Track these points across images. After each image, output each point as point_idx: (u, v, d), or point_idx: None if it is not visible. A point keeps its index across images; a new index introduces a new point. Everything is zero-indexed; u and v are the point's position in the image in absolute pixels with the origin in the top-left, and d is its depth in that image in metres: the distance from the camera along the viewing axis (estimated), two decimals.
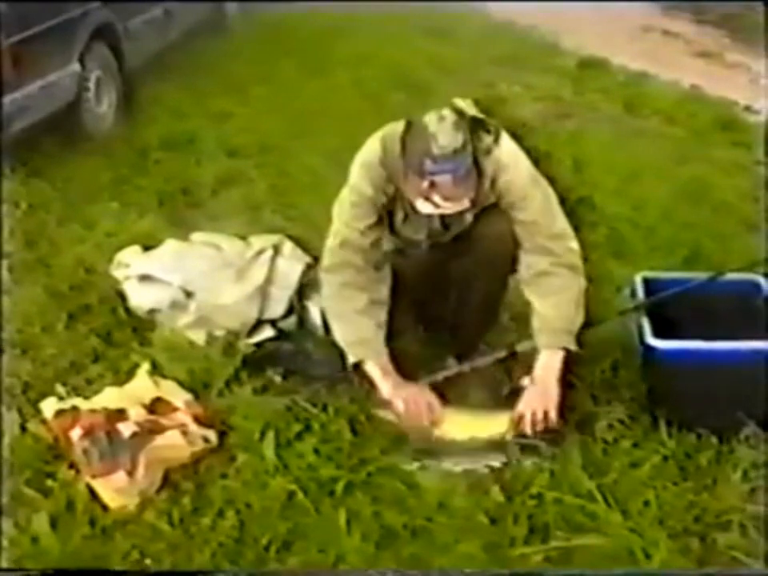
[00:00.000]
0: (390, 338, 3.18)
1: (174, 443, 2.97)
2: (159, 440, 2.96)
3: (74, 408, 3.09)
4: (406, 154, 2.88)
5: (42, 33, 5.22)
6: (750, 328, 3.08)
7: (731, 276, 3.28)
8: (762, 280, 3.30)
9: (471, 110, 2.95)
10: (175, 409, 3.13)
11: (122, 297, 3.83)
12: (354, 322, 3.13)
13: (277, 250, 3.88)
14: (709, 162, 5.69)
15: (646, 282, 3.35)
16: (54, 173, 5.22)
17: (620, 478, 2.91)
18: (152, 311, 3.73)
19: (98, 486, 2.85)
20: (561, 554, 2.68)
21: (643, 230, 4.55)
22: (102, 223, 4.61)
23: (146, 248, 4.03)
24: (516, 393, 3.16)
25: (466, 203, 2.89)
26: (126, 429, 2.95)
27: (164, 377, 3.34)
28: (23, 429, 3.15)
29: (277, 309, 3.69)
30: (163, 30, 7.18)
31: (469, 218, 3.06)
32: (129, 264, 3.91)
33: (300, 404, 3.23)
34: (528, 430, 3.03)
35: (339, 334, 3.17)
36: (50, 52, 5.39)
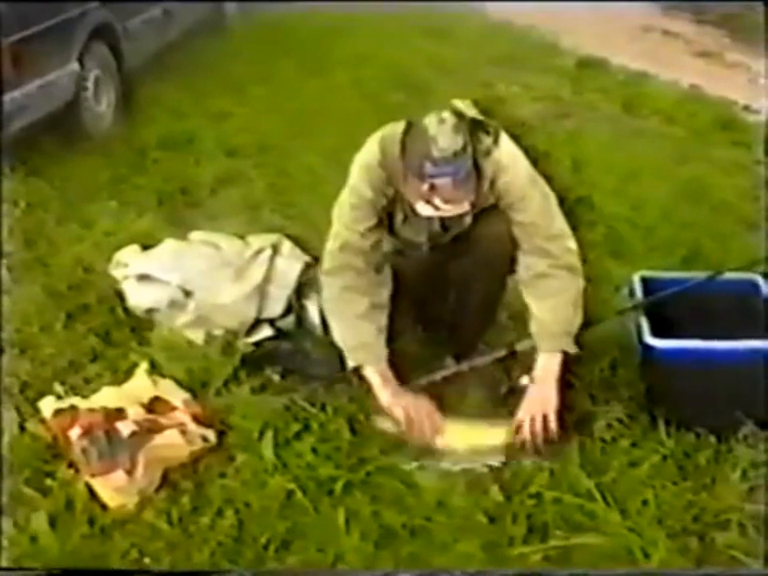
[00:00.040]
0: (390, 338, 3.17)
1: (173, 442, 2.97)
2: (158, 439, 2.96)
3: (73, 407, 3.09)
4: (406, 156, 2.87)
5: (41, 32, 5.22)
6: (749, 327, 3.08)
7: (730, 275, 3.28)
8: (760, 279, 3.31)
9: (470, 111, 2.94)
10: (174, 408, 3.13)
11: (120, 296, 3.83)
12: (354, 327, 3.12)
13: (275, 249, 3.88)
14: (708, 161, 5.69)
15: (645, 281, 3.35)
16: (53, 172, 5.22)
17: (619, 477, 2.91)
18: (150, 310, 3.73)
19: (97, 485, 2.85)
20: (560, 554, 2.68)
21: (642, 230, 4.55)
22: (100, 222, 4.61)
23: (145, 247, 4.03)
24: (515, 392, 3.17)
25: (466, 206, 2.89)
26: (124, 428, 2.95)
27: (162, 376, 3.34)
28: (22, 428, 3.15)
29: (275, 308, 3.69)
30: (162, 30, 7.17)
31: (468, 219, 3.05)
32: (127, 263, 3.91)
33: (299, 403, 3.23)
34: (527, 437, 3.01)
35: (340, 338, 3.15)
36: (49, 51, 5.38)
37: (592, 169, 5.35)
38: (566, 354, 3.09)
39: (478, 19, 9.38)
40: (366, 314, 3.10)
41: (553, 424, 3.00)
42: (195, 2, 8.01)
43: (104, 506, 2.83)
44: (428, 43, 8.47)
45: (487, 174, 2.94)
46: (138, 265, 3.86)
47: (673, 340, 3.03)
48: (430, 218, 2.99)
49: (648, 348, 3.04)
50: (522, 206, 3.03)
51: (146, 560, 2.68)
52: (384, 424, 3.08)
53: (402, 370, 3.17)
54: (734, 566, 2.65)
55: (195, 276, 3.73)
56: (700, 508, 2.81)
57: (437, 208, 2.83)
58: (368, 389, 3.14)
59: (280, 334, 3.68)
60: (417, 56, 8.00)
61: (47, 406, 3.15)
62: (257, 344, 3.60)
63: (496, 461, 2.99)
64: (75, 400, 3.16)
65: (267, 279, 3.74)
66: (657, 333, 3.04)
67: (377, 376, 3.09)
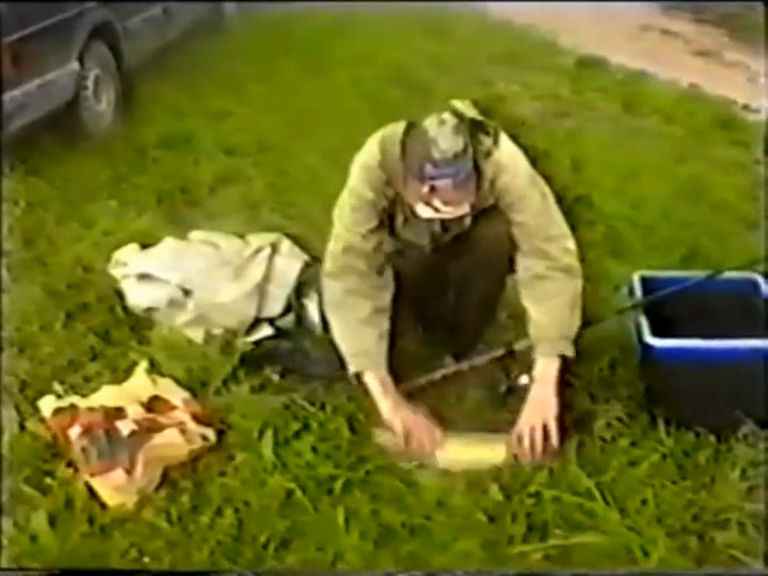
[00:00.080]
0: (390, 339, 3.17)
1: (173, 441, 2.97)
2: (157, 438, 2.96)
3: (73, 406, 3.10)
4: (406, 158, 2.86)
5: (41, 31, 5.22)
6: (749, 327, 3.08)
7: (729, 274, 3.28)
8: (760, 279, 3.31)
9: (470, 112, 2.93)
10: (173, 407, 3.14)
11: (120, 295, 3.83)
12: (356, 332, 3.10)
13: (275, 248, 3.89)
14: (707, 160, 5.68)
15: (644, 280, 3.35)
16: (53, 171, 5.22)
17: (618, 476, 2.91)
18: (150, 309, 3.73)
19: (97, 484, 2.86)
20: (559, 552, 2.68)
21: (641, 229, 4.54)
22: (100, 222, 4.61)
23: (144, 246, 4.04)
24: (514, 391, 3.17)
25: (466, 208, 2.88)
26: (124, 427, 2.95)
27: (162, 375, 3.34)
28: (22, 427, 3.15)
29: (275, 307, 3.70)
30: (162, 30, 7.17)
31: (468, 219, 3.04)
32: (127, 262, 3.91)
33: (298, 402, 3.23)
34: (527, 448, 2.99)
35: (341, 343, 3.13)
36: (48, 50, 5.38)
37: (591, 168, 5.35)
38: (564, 357, 3.08)
39: (478, 18, 9.38)
40: (369, 318, 3.09)
41: (553, 432, 2.98)
42: (195, 1, 8.01)
43: (103, 505, 2.83)
44: (428, 42, 8.46)
45: (487, 175, 2.93)
46: (138, 264, 3.86)
47: (672, 339, 3.02)
48: (430, 220, 2.97)
49: (647, 347, 3.04)
50: (522, 206, 3.03)
51: (146, 559, 2.68)
52: (383, 438, 3.05)
53: (401, 370, 3.17)
54: (733, 565, 2.65)
55: (194, 275, 3.73)
56: (699, 507, 2.81)
57: (437, 210, 2.82)
58: (369, 396, 3.12)
59: (279, 333, 3.68)
60: (416, 55, 7.99)
61: (47, 404, 3.15)
62: (256, 343, 3.61)
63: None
64: (75, 399, 3.16)
65: (267, 278, 3.74)
66: (656, 332, 3.04)
67: (377, 383, 3.07)
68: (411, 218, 3.04)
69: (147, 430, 2.98)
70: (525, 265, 3.10)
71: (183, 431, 3.01)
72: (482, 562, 2.64)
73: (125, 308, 3.79)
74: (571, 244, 3.11)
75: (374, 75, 7.21)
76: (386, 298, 3.15)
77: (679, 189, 5.07)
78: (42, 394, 3.26)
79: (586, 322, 3.14)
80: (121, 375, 3.39)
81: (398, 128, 2.95)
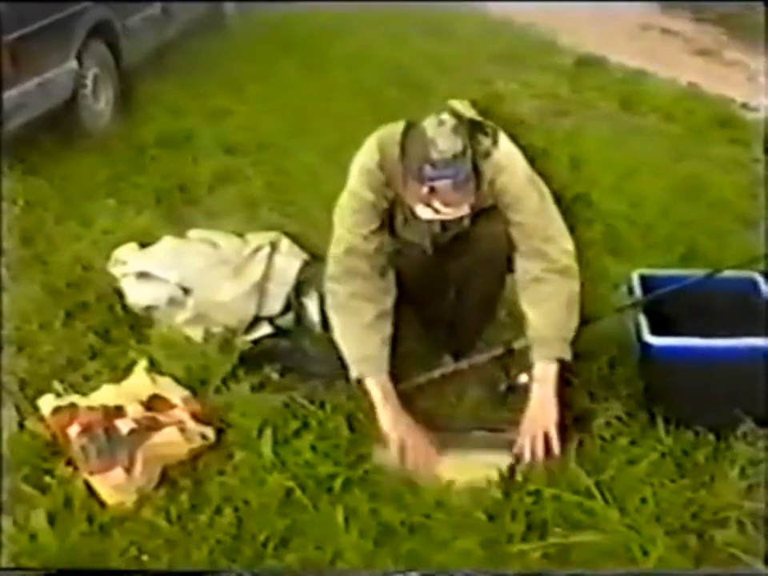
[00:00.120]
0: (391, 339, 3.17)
1: (172, 440, 2.98)
2: (157, 437, 2.96)
3: (72, 405, 3.10)
4: (405, 159, 2.85)
5: (39, 30, 5.22)
6: (748, 325, 3.07)
7: (728, 273, 3.28)
8: (759, 277, 3.31)
9: (469, 112, 2.93)
10: (173, 406, 3.13)
11: (119, 294, 3.83)
12: (359, 338, 3.08)
13: (274, 247, 3.89)
14: (706, 159, 5.69)
15: (643, 279, 3.35)
16: (52, 170, 5.22)
17: (617, 475, 2.91)
18: (149, 308, 3.73)
19: (96, 482, 2.86)
20: (558, 551, 2.68)
21: (640, 227, 4.54)
22: (99, 220, 4.61)
23: (143, 245, 4.04)
24: (513, 389, 3.17)
25: (466, 208, 2.87)
26: (123, 426, 2.95)
27: (161, 374, 3.34)
28: (21, 426, 3.16)
29: (274, 306, 3.70)
30: (161, 28, 7.17)
31: (467, 219, 3.04)
32: (126, 261, 3.92)
33: (297, 401, 3.23)
34: (528, 459, 2.96)
35: (344, 347, 3.11)
36: (47, 49, 5.38)
37: (590, 166, 5.35)
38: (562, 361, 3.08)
39: (477, 17, 9.38)
40: (372, 324, 3.07)
41: (554, 440, 2.97)
42: (195, 1, 8.01)
43: (103, 504, 2.83)
44: (427, 41, 8.47)
45: (486, 176, 2.92)
46: (137, 262, 3.86)
47: (671, 338, 3.02)
48: (430, 220, 2.96)
49: (646, 346, 3.04)
50: (520, 206, 3.02)
51: (145, 558, 2.68)
52: (381, 457, 3.01)
53: (401, 368, 3.16)
54: (732, 564, 2.65)
55: (194, 274, 3.73)
56: (699, 505, 2.81)
57: (436, 211, 2.82)
58: (370, 403, 3.11)
59: (279, 332, 3.68)
60: (416, 54, 7.99)
61: (46, 403, 3.15)
62: (255, 342, 3.61)
63: (503, 462, 2.97)
64: (74, 398, 3.17)
65: (266, 277, 3.74)
66: (655, 331, 3.04)
67: (378, 389, 3.06)
68: (411, 218, 3.03)
69: (146, 428, 2.98)
70: (522, 267, 3.10)
71: (182, 430, 3.01)
72: (481, 561, 2.64)
73: (124, 307, 3.80)
74: (569, 244, 3.10)
75: (374, 74, 7.21)
76: (389, 301, 3.13)
77: (678, 187, 5.07)
78: (41, 392, 3.26)
79: (585, 321, 3.14)
80: (120, 374, 3.39)
81: (396, 128, 2.94)
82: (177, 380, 3.32)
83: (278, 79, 7.07)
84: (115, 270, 3.91)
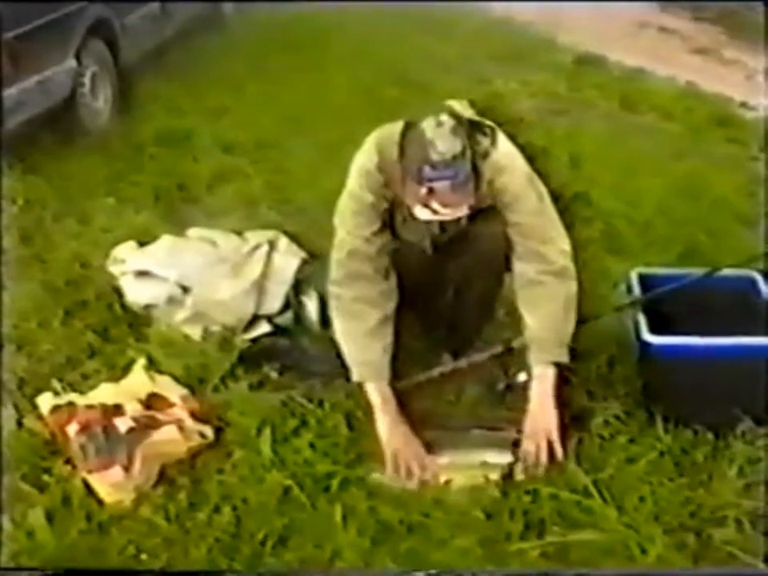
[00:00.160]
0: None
1: (171, 438, 2.97)
2: (155, 435, 2.96)
3: (71, 403, 3.10)
4: (404, 160, 2.85)
5: (38, 28, 5.21)
6: (746, 324, 3.08)
7: (727, 272, 3.27)
8: (758, 276, 3.31)
9: (467, 112, 2.93)
10: (171, 404, 3.13)
11: (118, 292, 3.83)
12: (361, 343, 3.08)
13: (273, 245, 3.89)
14: (705, 157, 5.68)
15: (642, 277, 3.35)
16: (50, 169, 5.21)
17: (616, 473, 2.91)
18: (148, 307, 3.73)
19: (94, 481, 2.86)
20: (557, 550, 2.68)
21: (639, 226, 4.53)
22: (98, 219, 4.62)
23: (142, 244, 4.04)
24: (512, 388, 3.17)
25: (464, 210, 2.87)
26: (122, 424, 2.95)
27: (160, 372, 3.34)
28: (19, 424, 3.15)
29: (273, 304, 3.69)
30: (159, 27, 7.16)
31: (465, 219, 3.03)
32: (125, 260, 3.92)
33: (296, 399, 3.23)
34: (532, 465, 2.95)
35: (346, 351, 3.10)
36: (46, 48, 5.37)
37: (589, 165, 5.35)
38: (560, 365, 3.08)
39: (476, 16, 9.37)
40: (374, 329, 3.06)
41: (557, 444, 2.97)
42: (194, 1, 8.02)
43: (101, 502, 2.83)
44: (425, 40, 8.45)
45: (485, 176, 2.91)
46: (136, 261, 3.87)
47: (670, 336, 3.02)
48: (428, 221, 2.96)
49: (645, 344, 3.04)
50: (518, 206, 3.02)
51: (143, 556, 2.68)
52: (381, 477, 2.98)
53: (400, 367, 3.16)
54: (731, 563, 2.65)
55: (193, 272, 3.73)
56: (697, 504, 2.81)
57: (435, 212, 2.81)
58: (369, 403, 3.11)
59: (278, 331, 3.68)
60: (415, 52, 7.99)
61: (45, 402, 3.15)
62: (254, 340, 3.61)
63: (503, 459, 2.96)
64: (73, 396, 3.17)
65: (264, 275, 3.74)
66: (654, 329, 3.04)
67: (377, 395, 3.05)
68: (410, 218, 3.02)
69: (145, 427, 2.98)
70: (519, 268, 3.09)
71: (181, 428, 3.01)
72: (479, 560, 2.64)
73: (123, 305, 3.79)
74: (566, 245, 3.09)
75: (372, 73, 7.21)
76: (392, 305, 3.12)
77: (677, 186, 5.07)
78: (40, 391, 3.26)
79: (584, 320, 3.14)
80: (119, 372, 3.39)
81: (395, 129, 2.93)
82: (175, 378, 3.32)
83: (277, 78, 7.06)
84: (114, 269, 3.91)
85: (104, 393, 3.17)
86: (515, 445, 2.99)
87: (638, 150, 5.78)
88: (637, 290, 3.29)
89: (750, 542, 2.69)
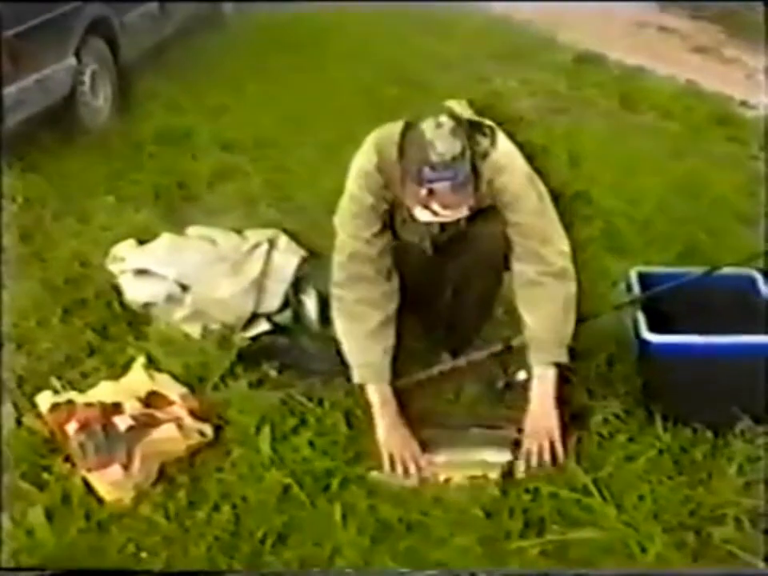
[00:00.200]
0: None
1: (170, 437, 2.97)
2: (155, 434, 2.96)
3: (70, 402, 3.10)
4: (404, 161, 2.84)
5: (38, 27, 5.21)
6: (746, 323, 3.07)
7: (727, 271, 3.27)
8: (757, 275, 3.31)
9: (466, 112, 2.92)
10: (171, 402, 3.13)
11: (117, 291, 3.83)
12: (362, 345, 3.08)
13: (272, 243, 3.89)
14: (705, 156, 5.68)
15: (642, 276, 3.34)
16: (50, 167, 5.21)
17: (615, 472, 2.91)
18: (147, 305, 3.73)
19: (94, 479, 2.86)
20: (556, 548, 2.68)
21: (639, 225, 4.53)
22: (97, 217, 4.62)
23: (142, 242, 4.03)
24: (511, 386, 3.18)
25: (464, 211, 2.86)
26: (121, 422, 2.95)
27: (159, 370, 3.34)
28: (19, 423, 3.15)
29: (272, 302, 3.69)
30: (159, 25, 7.16)
31: (464, 220, 3.03)
32: (124, 258, 3.92)
33: (295, 398, 3.23)
34: (535, 466, 2.96)
35: (347, 352, 3.11)
36: (45, 46, 5.37)
37: (589, 163, 5.34)
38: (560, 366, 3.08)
39: (476, 15, 9.36)
40: (376, 331, 3.06)
41: (558, 444, 2.97)
42: (194, 0, 8.02)
43: (100, 501, 2.83)
44: (426, 38, 8.44)
45: (485, 177, 2.90)
46: (135, 259, 3.86)
47: (669, 335, 3.02)
48: (428, 222, 2.95)
49: (645, 343, 3.04)
50: (518, 206, 3.01)
51: (143, 554, 2.68)
52: (380, 475, 2.98)
53: (400, 366, 3.15)
54: (730, 561, 2.65)
55: (192, 270, 3.74)
56: (696, 503, 2.81)
57: (435, 213, 2.80)
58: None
59: (277, 329, 3.68)
60: (414, 51, 7.98)
61: (44, 400, 3.15)
62: (254, 339, 3.61)
63: (502, 458, 2.97)
64: (72, 394, 3.17)
65: (264, 274, 3.74)
66: (654, 328, 3.04)
67: (377, 397, 3.06)
68: (409, 219, 3.02)
69: (144, 425, 2.98)
70: (519, 269, 3.09)
71: (180, 427, 3.01)
72: (479, 558, 2.64)
73: (122, 303, 3.80)
74: (565, 246, 3.09)
75: (372, 71, 7.20)
76: (393, 307, 3.12)
77: (677, 184, 5.06)
78: (39, 389, 3.26)
79: (584, 318, 3.14)
80: (118, 371, 3.39)
81: (394, 129, 2.92)
82: (175, 377, 3.32)
83: (276, 76, 7.06)
84: (113, 267, 3.91)
85: (103, 391, 3.17)
86: (515, 443, 3.00)
87: (637, 148, 5.78)
88: (636, 288, 3.29)
89: (750, 541, 2.69)
